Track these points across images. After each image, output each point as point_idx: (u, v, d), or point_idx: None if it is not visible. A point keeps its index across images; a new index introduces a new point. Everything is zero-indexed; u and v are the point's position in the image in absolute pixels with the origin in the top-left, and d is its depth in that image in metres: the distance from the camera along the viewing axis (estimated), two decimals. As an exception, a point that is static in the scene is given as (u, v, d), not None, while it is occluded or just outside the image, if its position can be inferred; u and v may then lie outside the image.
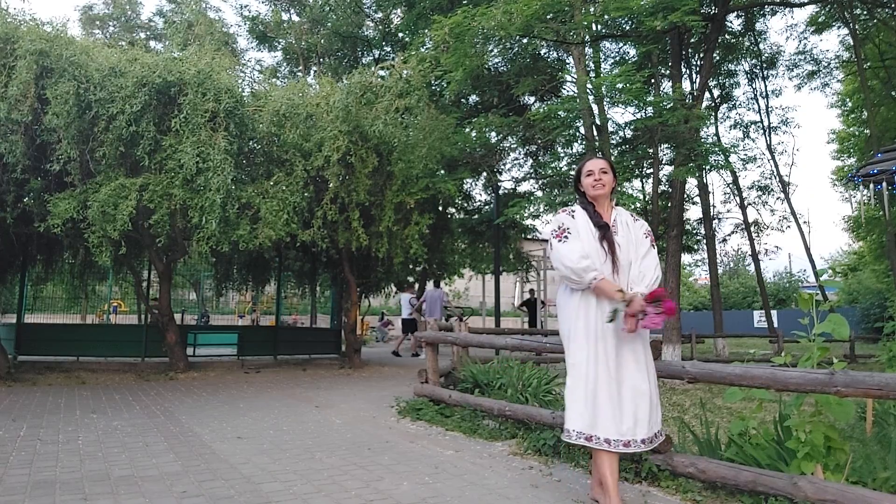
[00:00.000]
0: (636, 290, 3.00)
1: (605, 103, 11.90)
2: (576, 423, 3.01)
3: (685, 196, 14.00)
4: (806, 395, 3.21)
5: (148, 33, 21.46)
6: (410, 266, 14.46)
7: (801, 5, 14.68)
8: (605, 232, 3.10)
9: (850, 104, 22.03)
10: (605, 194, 3.21)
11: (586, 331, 3.05)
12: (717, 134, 18.36)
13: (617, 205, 3.40)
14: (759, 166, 19.94)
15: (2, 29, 8.02)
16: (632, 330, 2.95)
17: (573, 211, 3.23)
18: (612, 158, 13.15)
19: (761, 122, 19.97)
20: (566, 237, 3.12)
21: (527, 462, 4.29)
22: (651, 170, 15.48)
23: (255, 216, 8.77)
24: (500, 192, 16.33)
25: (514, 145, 17.15)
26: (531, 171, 17.93)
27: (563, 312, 3.22)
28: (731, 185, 19.88)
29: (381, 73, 11.67)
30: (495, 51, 12.93)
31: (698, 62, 15.13)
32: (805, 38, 19.46)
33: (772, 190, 20.15)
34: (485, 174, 16.37)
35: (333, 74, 15.91)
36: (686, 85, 13.41)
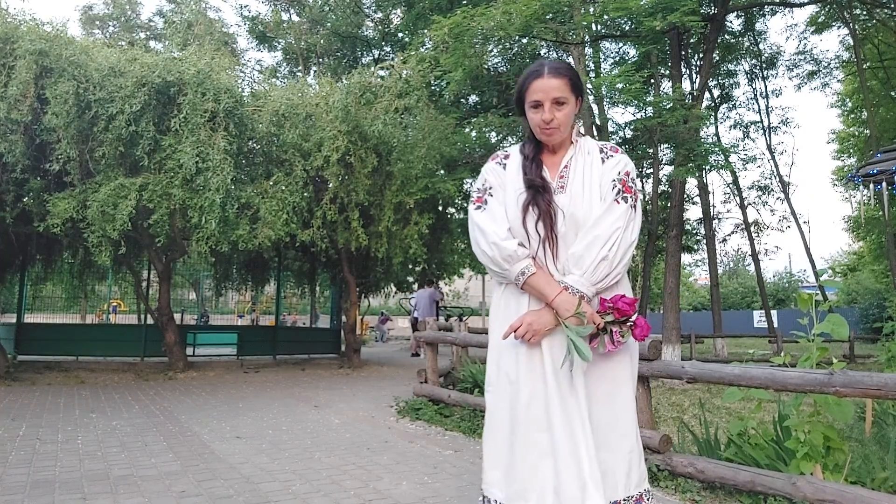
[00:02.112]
0: (568, 281, 1.78)
1: (604, 103, 11.92)
2: (493, 487, 1.86)
3: (685, 196, 14.00)
4: (805, 396, 3.21)
5: (148, 33, 21.45)
6: (410, 266, 14.46)
7: (801, 5, 14.68)
8: (535, 194, 1.86)
9: (850, 104, 22.03)
10: (558, 139, 1.91)
11: (513, 351, 1.84)
12: (717, 134, 18.37)
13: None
14: (759, 166, 19.96)
15: (2, 29, 8.02)
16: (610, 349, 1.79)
17: (506, 156, 2.01)
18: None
19: (761, 122, 19.98)
20: (486, 201, 1.93)
21: (526, 462, 4.28)
22: (651, 170, 15.50)
23: (255, 216, 8.78)
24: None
25: (514, 145, 17.13)
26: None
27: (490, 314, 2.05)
28: (731, 185, 19.88)
29: (381, 73, 11.67)
30: (495, 51, 12.93)
31: (698, 62, 15.12)
32: (805, 38, 19.51)
33: (772, 190, 20.17)
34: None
35: (333, 74, 15.90)
36: (686, 85, 13.41)
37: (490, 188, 1.95)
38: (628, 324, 1.77)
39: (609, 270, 1.78)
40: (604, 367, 1.82)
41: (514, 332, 1.79)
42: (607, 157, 1.90)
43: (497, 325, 1.92)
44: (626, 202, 1.82)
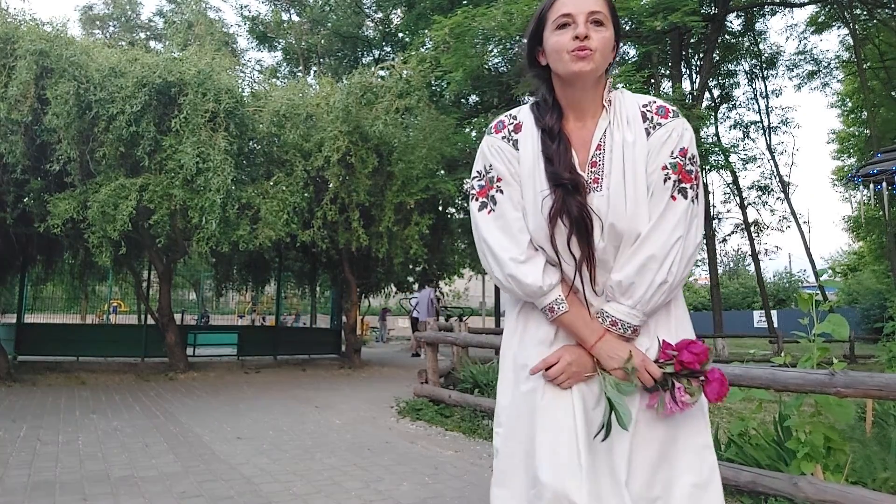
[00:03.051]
0: (615, 314, 1.32)
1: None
2: None
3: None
4: (806, 396, 3.21)
5: (148, 33, 21.46)
6: (410, 266, 14.46)
7: (801, 5, 14.69)
8: (567, 196, 1.32)
9: (850, 104, 22.03)
10: (594, 71, 1.33)
11: (533, 392, 1.34)
12: (717, 134, 18.36)
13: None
14: (759, 166, 20.00)
15: (2, 29, 8.02)
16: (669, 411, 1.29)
17: (515, 126, 1.43)
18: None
19: (761, 122, 20.00)
20: (493, 199, 1.39)
21: (527, 462, 4.28)
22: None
23: (255, 216, 8.77)
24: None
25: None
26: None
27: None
28: (731, 185, 19.90)
29: (381, 73, 11.67)
30: (495, 51, 12.94)
31: (698, 62, 15.14)
32: (805, 38, 19.52)
33: (772, 190, 20.20)
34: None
35: (333, 74, 15.91)
36: (686, 85, 13.42)
37: (498, 178, 1.37)
38: (699, 378, 1.29)
39: (668, 294, 1.32)
40: (664, 428, 1.28)
41: (546, 370, 1.31)
42: (654, 127, 1.33)
43: (511, 354, 1.41)
44: (686, 196, 1.31)
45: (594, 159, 1.34)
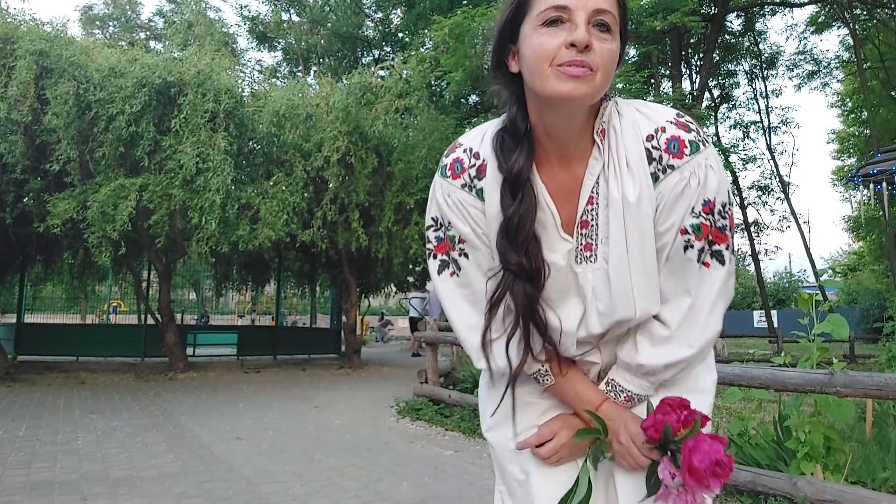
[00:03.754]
0: (630, 388, 1.05)
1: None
2: None
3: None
4: (805, 396, 3.21)
5: (148, 33, 21.45)
6: (410, 266, 14.46)
7: (801, 5, 14.70)
8: (515, 281, 0.99)
9: (850, 104, 22.04)
10: (590, 97, 0.92)
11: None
12: (717, 134, 18.37)
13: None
14: (759, 166, 20.01)
15: (2, 29, 8.02)
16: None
17: (476, 165, 1.03)
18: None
19: (761, 122, 20.01)
20: (454, 261, 1.06)
21: (526, 462, 4.28)
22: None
23: (255, 217, 8.77)
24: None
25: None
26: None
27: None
28: (730, 185, 19.89)
29: (381, 73, 11.68)
30: (495, 51, 12.94)
31: (698, 62, 15.14)
32: (805, 38, 19.48)
33: (772, 190, 20.20)
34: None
35: (333, 75, 15.90)
36: (686, 85, 13.43)
37: (460, 239, 1.04)
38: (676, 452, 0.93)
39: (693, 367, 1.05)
40: None
41: (538, 446, 1.07)
42: (664, 171, 0.94)
43: (490, 419, 1.13)
44: (724, 261, 0.96)
45: (585, 218, 0.99)
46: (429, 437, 5.26)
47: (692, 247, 0.95)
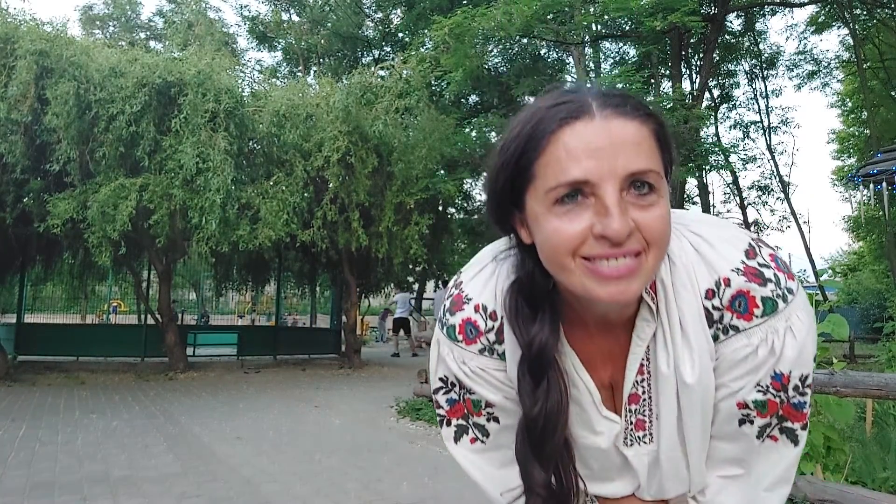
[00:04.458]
0: None
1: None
2: None
3: (685, 196, 14.01)
4: (805, 396, 3.21)
5: (148, 33, 21.44)
6: (410, 266, 14.47)
7: (801, 5, 14.70)
8: None
9: (850, 104, 22.03)
10: (638, 293, 0.67)
11: None
12: (717, 134, 18.37)
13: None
14: (759, 166, 19.97)
15: (2, 29, 8.03)
16: None
17: (494, 327, 0.80)
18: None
19: (761, 122, 20.00)
20: (482, 427, 0.85)
21: (526, 462, 4.28)
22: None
23: (255, 216, 8.78)
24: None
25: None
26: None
27: None
28: (731, 185, 19.89)
29: (381, 73, 11.68)
30: (495, 51, 12.97)
31: (698, 62, 15.14)
32: (805, 38, 19.46)
33: (772, 190, 20.18)
34: (485, 174, 16.38)
35: (333, 75, 15.90)
36: (686, 85, 13.43)
37: (488, 404, 0.83)
38: None
39: None
40: None
41: None
42: (725, 331, 0.74)
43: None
44: (796, 441, 0.76)
45: (634, 391, 0.78)
46: (429, 437, 5.26)
47: (751, 422, 0.74)
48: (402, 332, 14.88)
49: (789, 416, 0.74)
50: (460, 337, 0.81)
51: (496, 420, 0.82)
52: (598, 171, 0.63)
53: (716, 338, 0.74)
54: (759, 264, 0.72)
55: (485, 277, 0.82)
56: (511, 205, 0.72)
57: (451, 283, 0.86)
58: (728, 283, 0.72)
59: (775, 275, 0.72)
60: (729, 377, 0.74)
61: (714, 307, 0.72)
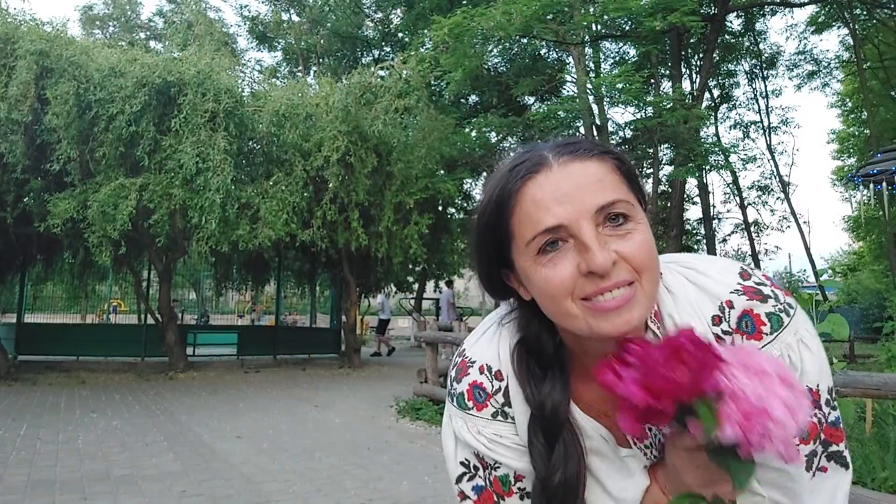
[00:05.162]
0: None
1: (604, 103, 11.93)
2: None
3: (685, 196, 14.03)
4: (805, 395, 3.21)
5: (148, 33, 21.44)
6: (410, 266, 14.47)
7: (801, 5, 14.71)
8: None
9: (850, 104, 22.03)
10: (643, 317, 0.66)
11: None
12: (717, 134, 18.37)
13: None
14: (759, 166, 19.95)
15: (2, 29, 8.04)
16: None
17: (500, 388, 0.79)
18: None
19: (761, 122, 20.00)
20: None
21: (526, 462, 4.29)
22: (651, 170, 15.52)
23: (255, 216, 8.79)
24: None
25: (514, 145, 17.16)
26: (531, 171, 17.92)
27: None
28: (731, 185, 19.89)
29: (381, 73, 11.69)
30: (495, 51, 12.97)
31: (698, 62, 15.14)
32: (805, 38, 19.47)
33: (772, 190, 20.18)
34: (484, 174, 16.38)
35: (333, 74, 15.91)
36: (686, 85, 13.44)
37: (518, 476, 0.78)
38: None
39: None
40: None
41: None
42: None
43: None
44: (846, 463, 0.72)
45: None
46: (428, 436, 5.26)
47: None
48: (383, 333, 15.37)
49: (832, 439, 0.70)
50: (470, 403, 0.79)
51: (528, 496, 0.78)
52: (569, 213, 0.65)
53: None
54: (756, 283, 0.73)
55: (487, 339, 0.82)
56: (502, 266, 0.74)
57: (455, 355, 0.85)
58: (731, 305, 0.71)
59: (773, 291, 0.72)
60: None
61: (724, 332, 0.71)
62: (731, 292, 0.72)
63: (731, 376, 0.55)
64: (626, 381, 0.58)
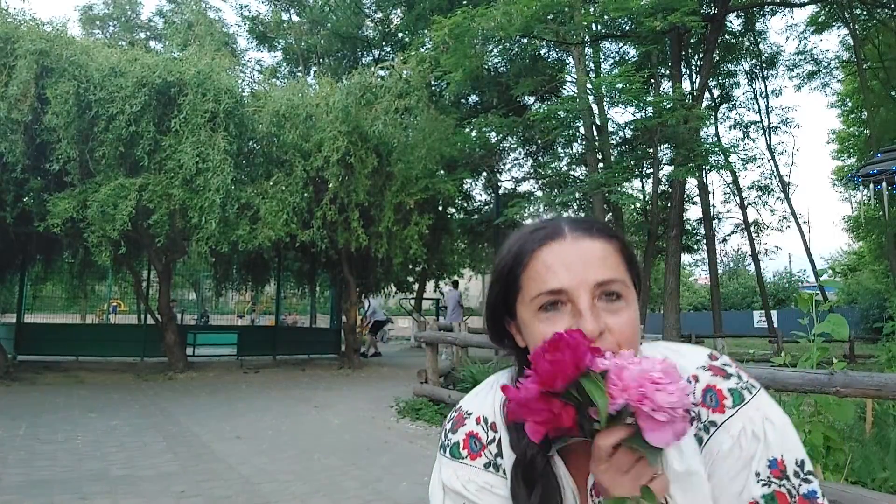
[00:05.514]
0: None
1: (604, 103, 11.93)
2: None
3: (685, 196, 14.02)
4: (805, 396, 3.21)
5: (148, 33, 21.43)
6: (410, 266, 14.47)
7: (801, 5, 14.71)
8: None
9: (850, 104, 22.01)
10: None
11: None
12: (716, 134, 18.35)
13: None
14: (759, 166, 19.89)
15: (2, 29, 8.03)
16: None
17: (493, 438, 0.84)
18: (612, 158, 13.22)
19: (761, 122, 19.98)
20: None
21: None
22: (651, 170, 15.51)
23: (255, 216, 8.78)
24: (500, 192, 16.36)
25: (514, 145, 17.17)
26: (531, 171, 17.95)
27: None
28: (731, 185, 19.87)
29: (381, 73, 11.68)
30: (495, 51, 12.96)
31: (698, 62, 15.13)
32: (805, 38, 19.44)
33: (772, 190, 20.15)
34: (485, 174, 16.40)
35: (333, 75, 15.90)
36: (686, 85, 13.43)
37: None
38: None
39: None
40: None
41: None
42: (706, 429, 0.76)
43: None
44: None
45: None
46: (429, 437, 5.26)
47: None
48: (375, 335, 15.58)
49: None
50: (465, 452, 0.84)
51: None
52: (571, 281, 0.74)
53: (701, 440, 0.75)
54: (722, 364, 0.80)
55: (484, 392, 0.88)
56: (506, 314, 0.82)
57: (451, 410, 0.90)
58: (696, 379, 0.77)
59: (737, 372, 0.78)
60: (727, 477, 0.74)
61: (692, 402, 0.74)
62: (697, 367, 0.79)
63: (609, 358, 0.65)
64: (522, 385, 0.65)
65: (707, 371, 0.78)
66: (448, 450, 0.85)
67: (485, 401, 0.87)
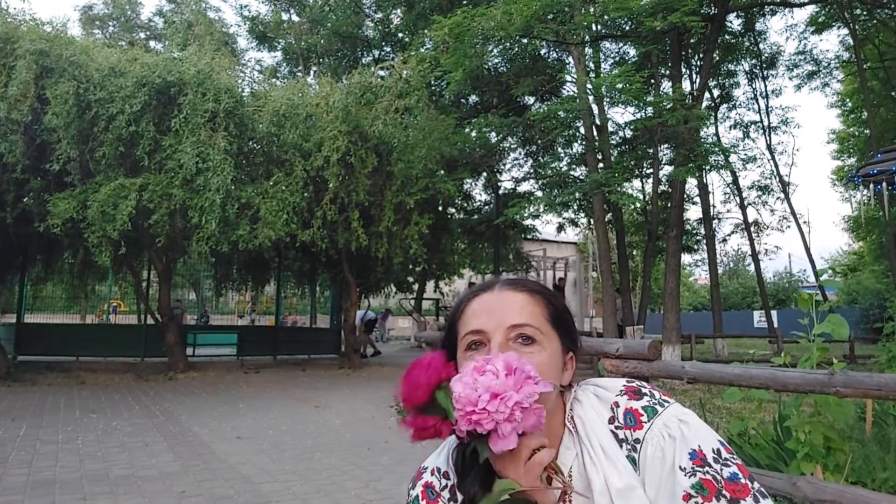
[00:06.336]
0: None
1: (604, 103, 11.92)
2: None
3: (685, 196, 14.01)
4: (805, 396, 3.21)
5: (148, 33, 21.44)
6: (410, 266, 14.47)
7: (801, 5, 14.71)
8: None
9: (850, 104, 22.01)
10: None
11: None
12: (716, 134, 18.34)
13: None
14: (759, 166, 19.88)
15: (2, 29, 8.03)
16: None
17: (447, 485, 0.94)
18: (612, 158, 13.21)
19: (761, 122, 19.96)
20: None
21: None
22: (651, 170, 15.52)
23: (255, 216, 8.78)
24: (500, 192, 16.36)
25: (514, 145, 17.17)
26: (531, 171, 17.95)
27: None
28: (731, 185, 19.87)
29: (381, 73, 11.68)
30: (495, 51, 12.95)
31: (698, 62, 15.13)
32: (805, 38, 19.43)
33: (772, 190, 20.14)
34: (485, 174, 16.39)
35: (333, 75, 15.90)
36: (686, 85, 13.42)
37: None
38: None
39: None
40: None
41: None
42: (633, 448, 0.83)
43: None
44: None
45: None
46: (429, 436, 5.26)
47: None
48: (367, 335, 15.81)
49: (736, 494, 0.77)
50: (424, 502, 0.95)
51: None
52: (489, 323, 0.85)
53: (633, 460, 0.83)
54: (638, 385, 0.89)
55: (440, 448, 0.98)
56: (453, 357, 0.89)
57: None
58: (617, 405, 0.87)
59: (650, 392, 0.87)
60: (659, 483, 0.80)
61: (617, 427, 0.86)
62: (616, 394, 0.88)
63: (459, 373, 0.76)
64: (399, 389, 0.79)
65: (624, 395, 0.87)
66: (413, 499, 0.97)
67: (440, 455, 0.98)
